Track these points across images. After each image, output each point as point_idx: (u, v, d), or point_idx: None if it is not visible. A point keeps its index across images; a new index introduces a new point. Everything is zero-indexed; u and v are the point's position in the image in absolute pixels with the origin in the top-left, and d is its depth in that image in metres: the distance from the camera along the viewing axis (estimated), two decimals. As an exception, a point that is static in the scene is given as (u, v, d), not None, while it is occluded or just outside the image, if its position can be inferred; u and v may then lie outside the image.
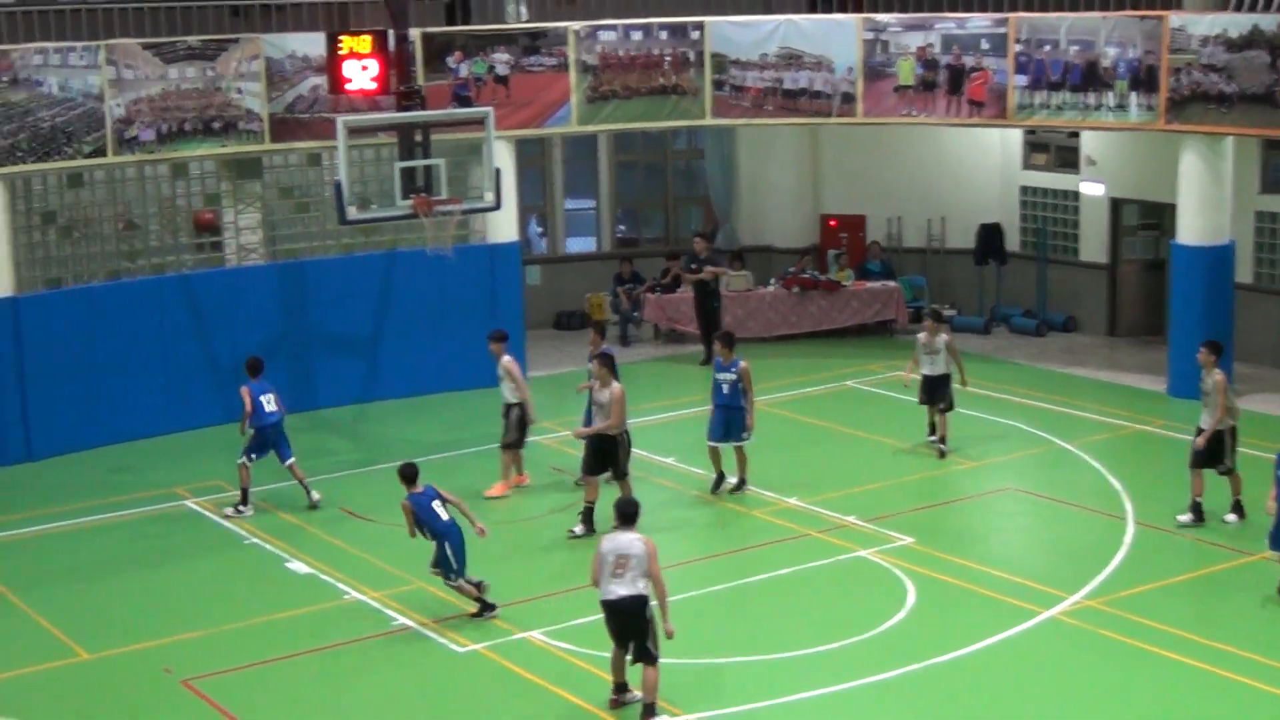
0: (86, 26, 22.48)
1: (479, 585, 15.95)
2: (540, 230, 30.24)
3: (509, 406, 19.71)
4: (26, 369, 21.63)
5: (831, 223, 29.57)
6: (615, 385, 18.16)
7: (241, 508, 19.32)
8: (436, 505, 15.79)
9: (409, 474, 15.98)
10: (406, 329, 24.50)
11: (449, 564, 15.78)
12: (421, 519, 15.76)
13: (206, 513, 19.46)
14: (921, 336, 20.88)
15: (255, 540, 18.53)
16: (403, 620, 15.95)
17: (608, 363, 18.33)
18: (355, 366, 24.35)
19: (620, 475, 18.19)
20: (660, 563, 13.57)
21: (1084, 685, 14.26)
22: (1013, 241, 28.36)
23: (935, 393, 20.80)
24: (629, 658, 13.63)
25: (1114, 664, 14.66)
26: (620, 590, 13.41)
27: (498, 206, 21.58)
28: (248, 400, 19.21)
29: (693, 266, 26.44)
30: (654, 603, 13.46)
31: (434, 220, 20.62)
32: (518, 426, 19.69)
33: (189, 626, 16.05)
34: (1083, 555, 17.30)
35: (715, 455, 19.45)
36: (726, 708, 13.92)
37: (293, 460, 19.50)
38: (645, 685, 13.50)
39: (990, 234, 28.20)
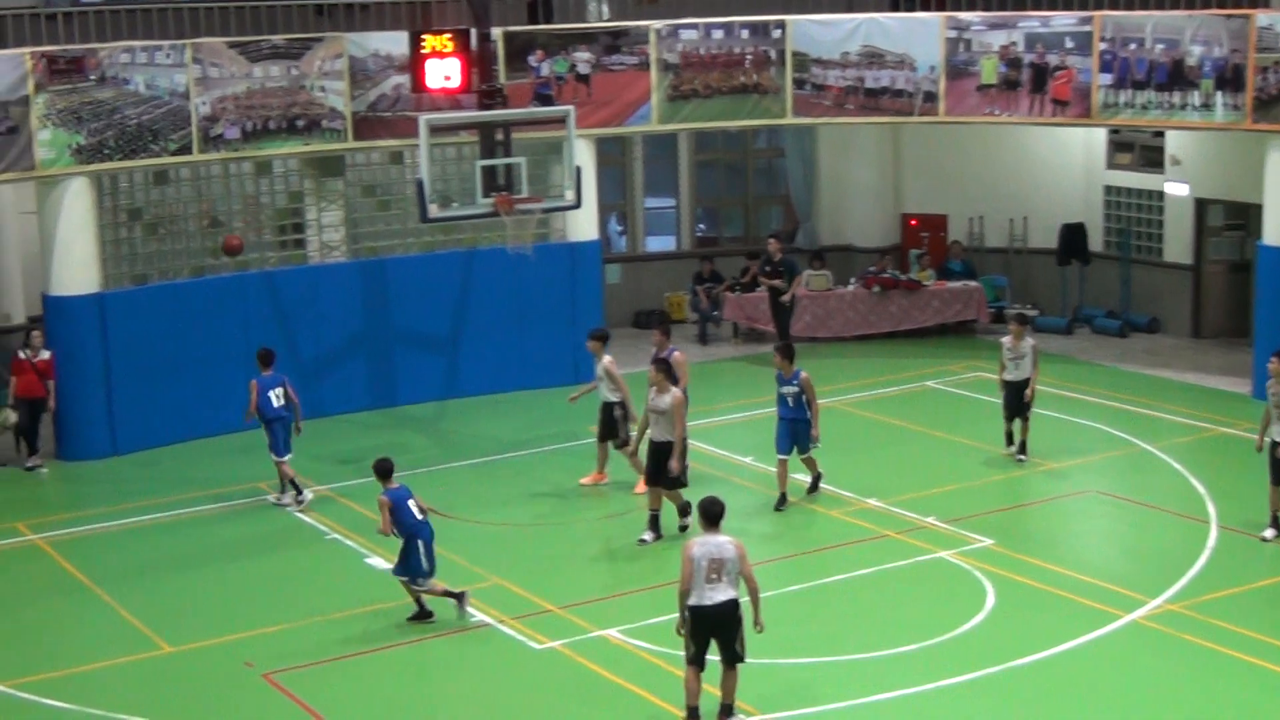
0: (173, 25, 22.73)
1: (460, 596, 15.87)
2: (620, 229, 30.26)
3: (609, 405, 19.67)
4: (112, 364, 21.90)
5: (912, 222, 29.45)
6: (675, 391, 17.92)
7: (300, 497, 19.54)
8: (411, 504, 15.72)
9: (384, 469, 15.86)
10: (487, 327, 24.60)
11: (420, 564, 15.61)
12: (398, 515, 15.61)
13: (288, 507, 19.62)
14: (1006, 341, 20.65)
15: (336, 535, 18.66)
16: (481, 617, 15.98)
17: (664, 368, 18.03)
18: (436, 364, 24.47)
19: (676, 485, 17.95)
20: (745, 561, 13.53)
21: (1165, 690, 14.14)
22: (1096, 242, 28.12)
23: (1019, 398, 20.62)
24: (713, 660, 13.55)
25: (1195, 669, 14.52)
26: (719, 596, 13.12)
27: (578, 205, 21.62)
28: (254, 396, 19.39)
29: (767, 269, 26.32)
30: (744, 600, 13.34)
31: (515, 218, 20.70)
32: (624, 425, 19.68)
33: (270, 620, 16.19)
34: (1165, 559, 17.14)
35: (783, 470, 19.08)
36: (805, 708, 13.88)
37: (285, 459, 19.61)
38: (725, 686, 13.42)
39: (1073, 234, 27.96)
